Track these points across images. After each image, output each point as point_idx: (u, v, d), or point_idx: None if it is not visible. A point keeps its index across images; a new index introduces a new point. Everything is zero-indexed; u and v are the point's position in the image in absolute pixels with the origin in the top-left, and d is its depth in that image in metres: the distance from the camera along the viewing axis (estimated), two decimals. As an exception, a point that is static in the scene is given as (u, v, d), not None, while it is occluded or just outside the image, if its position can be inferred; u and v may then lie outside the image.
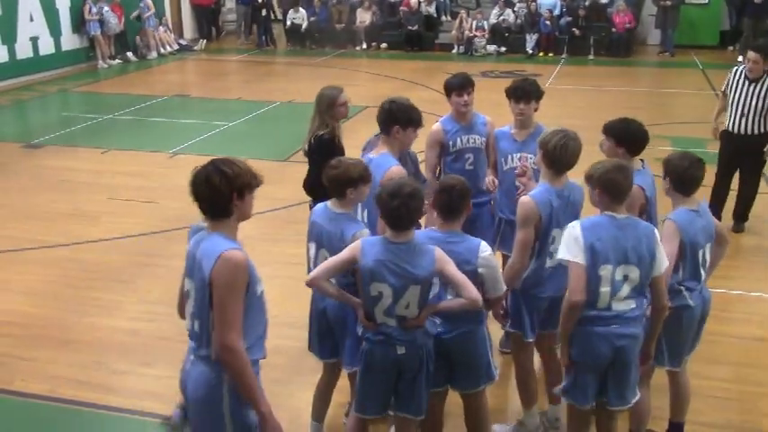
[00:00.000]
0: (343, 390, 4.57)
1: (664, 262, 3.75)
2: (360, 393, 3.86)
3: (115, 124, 13.02)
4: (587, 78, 16.95)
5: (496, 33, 20.40)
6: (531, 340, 4.35)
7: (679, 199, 4.05)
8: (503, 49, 20.32)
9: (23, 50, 16.96)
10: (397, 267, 3.55)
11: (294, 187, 5.95)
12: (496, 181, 5.16)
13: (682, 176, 4.00)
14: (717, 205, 7.29)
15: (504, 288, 3.93)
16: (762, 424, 4.79)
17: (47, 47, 17.57)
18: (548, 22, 19.79)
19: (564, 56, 19.72)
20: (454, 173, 5.29)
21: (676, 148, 10.16)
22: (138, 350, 5.69)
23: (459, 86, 5.22)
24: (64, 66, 17.96)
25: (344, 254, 3.70)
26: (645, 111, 11.84)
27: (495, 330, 4.50)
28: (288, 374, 5.21)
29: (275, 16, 23.42)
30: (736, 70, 7.49)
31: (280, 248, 7.19)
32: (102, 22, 18.41)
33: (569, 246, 3.69)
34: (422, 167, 5.24)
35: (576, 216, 4.16)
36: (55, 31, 17.78)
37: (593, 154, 4.76)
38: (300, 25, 21.59)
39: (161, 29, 20.57)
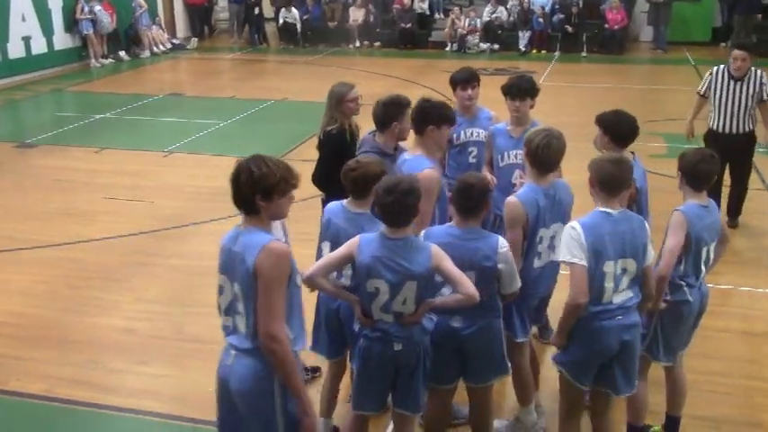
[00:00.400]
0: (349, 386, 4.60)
1: (651, 252, 3.82)
2: (357, 390, 3.87)
3: (109, 123, 12.99)
4: (580, 75, 17.00)
5: (489, 31, 20.43)
6: (523, 340, 4.37)
7: (690, 193, 4.09)
8: (496, 46, 20.36)
9: (16, 50, 16.90)
10: (393, 263, 3.56)
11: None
12: (495, 179, 5.19)
13: (693, 170, 4.04)
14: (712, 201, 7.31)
15: (520, 284, 3.95)
16: (756, 417, 4.83)
17: (39, 46, 17.52)
18: (540, 20, 19.82)
19: (557, 53, 19.77)
20: (458, 165, 5.34)
21: (669, 145, 10.28)
22: (134, 349, 5.69)
23: (463, 80, 5.33)
24: (57, 65, 17.92)
25: (342, 251, 3.71)
26: (638, 107, 11.78)
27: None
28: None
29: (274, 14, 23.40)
30: (717, 70, 7.45)
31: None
32: (94, 22, 18.37)
33: (570, 247, 3.69)
34: None
35: (564, 215, 4.19)
36: (47, 30, 17.73)
37: (585, 151, 4.79)
38: (293, 24, 21.57)
39: (154, 28, 20.54)
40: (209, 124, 12.68)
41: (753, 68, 7.33)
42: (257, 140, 11.65)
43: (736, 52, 7.31)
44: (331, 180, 4.59)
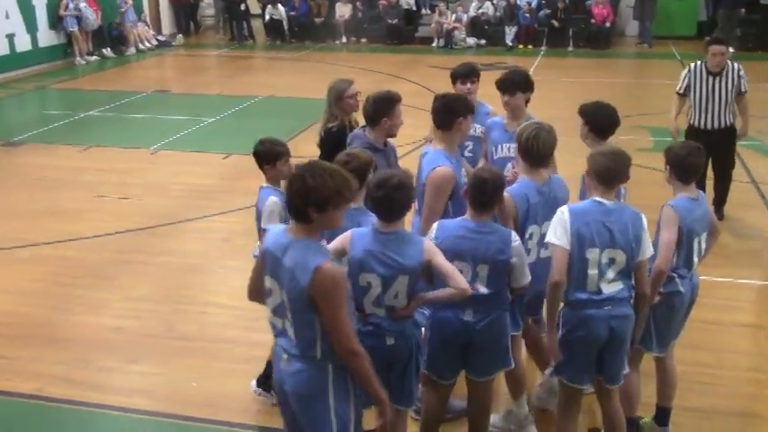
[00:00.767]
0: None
1: (648, 248, 3.85)
2: (350, 385, 3.87)
3: (95, 121, 12.91)
4: (567, 70, 17.05)
5: (476, 26, 20.46)
6: (516, 334, 4.38)
7: (679, 187, 4.13)
8: (482, 41, 20.38)
9: (0, 48, 16.75)
10: (385, 257, 3.56)
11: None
12: None
13: (681, 164, 4.08)
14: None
15: (530, 278, 3.97)
16: (745, 407, 4.88)
17: (23, 44, 17.37)
18: (527, 15, 19.86)
19: (543, 48, 19.82)
20: None
21: (656, 139, 10.34)
22: (124, 347, 5.67)
23: (463, 75, 5.41)
24: (41, 63, 17.76)
25: (334, 245, 3.70)
26: (624, 102, 11.86)
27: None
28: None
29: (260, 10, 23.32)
30: (694, 67, 7.47)
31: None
32: (79, 18, 18.24)
33: (556, 229, 3.80)
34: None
35: None
36: (31, 27, 17.57)
37: (573, 146, 4.83)
38: (279, 20, 21.50)
39: (140, 24, 20.42)
40: (196, 121, 12.63)
41: (729, 62, 7.37)
42: (245, 137, 11.54)
43: (715, 47, 7.32)
44: None
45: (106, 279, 6.81)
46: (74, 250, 7.44)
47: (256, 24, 22.32)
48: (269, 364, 4.90)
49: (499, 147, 5.12)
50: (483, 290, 3.84)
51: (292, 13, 21.66)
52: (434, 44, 20.48)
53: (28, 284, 6.71)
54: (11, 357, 5.52)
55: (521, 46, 19.91)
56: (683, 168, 4.09)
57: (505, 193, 4.12)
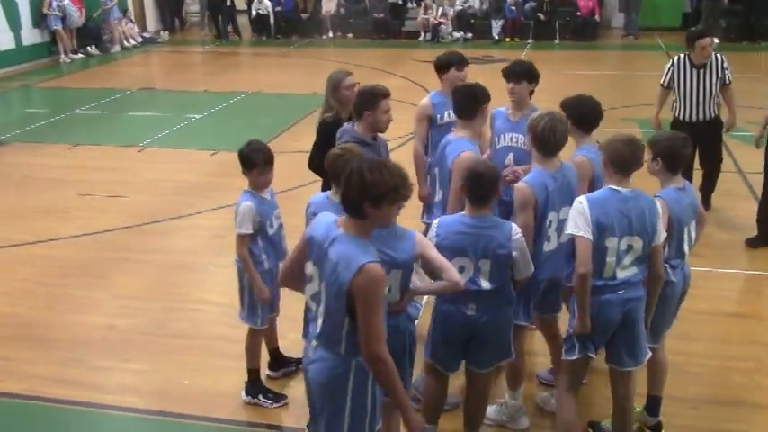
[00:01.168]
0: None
1: (663, 233, 3.93)
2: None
3: (81, 119, 12.84)
4: (553, 63, 17.05)
5: (462, 20, 20.47)
6: (523, 323, 4.39)
7: (667, 178, 4.16)
8: (469, 35, 20.41)
9: (-17, 47, 16.67)
10: (378, 252, 3.56)
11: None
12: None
13: (671, 154, 4.11)
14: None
15: (533, 269, 4.00)
16: (735, 396, 4.92)
17: (7, 42, 17.25)
18: (513, 8, 19.89)
19: (530, 41, 19.86)
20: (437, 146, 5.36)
21: (643, 130, 10.37)
22: (116, 346, 5.66)
23: (458, 62, 5.49)
24: (25, 61, 17.65)
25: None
26: (611, 94, 11.99)
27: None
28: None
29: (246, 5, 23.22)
30: (678, 60, 7.49)
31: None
32: (63, 16, 18.11)
33: (576, 220, 3.83)
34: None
35: (572, 198, 4.22)
36: (15, 25, 17.45)
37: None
38: (266, 15, 21.43)
39: (124, 22, 20.30)
40: (183, 118, 12.58)
41: (712, 53, 7.40)
42: (233, 133, 11.57)
43: (705, 40, 7.32)
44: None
45: (97, 278, 6.79)
46: (63, 249, 7.40)
47: (242, 20, 22.25)
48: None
49: (502, 136, 5.16)
50: (486, 285, 3.87)
51: (278, 8, 21.59)
52: (421, 38, 20.49)
53: (17, 284, 6.67)
54: (3, 358, 5.50)
55: (507, 39, 19.93)
56: (673, 158, 4.12)
57: (524, 184, 4.17)
